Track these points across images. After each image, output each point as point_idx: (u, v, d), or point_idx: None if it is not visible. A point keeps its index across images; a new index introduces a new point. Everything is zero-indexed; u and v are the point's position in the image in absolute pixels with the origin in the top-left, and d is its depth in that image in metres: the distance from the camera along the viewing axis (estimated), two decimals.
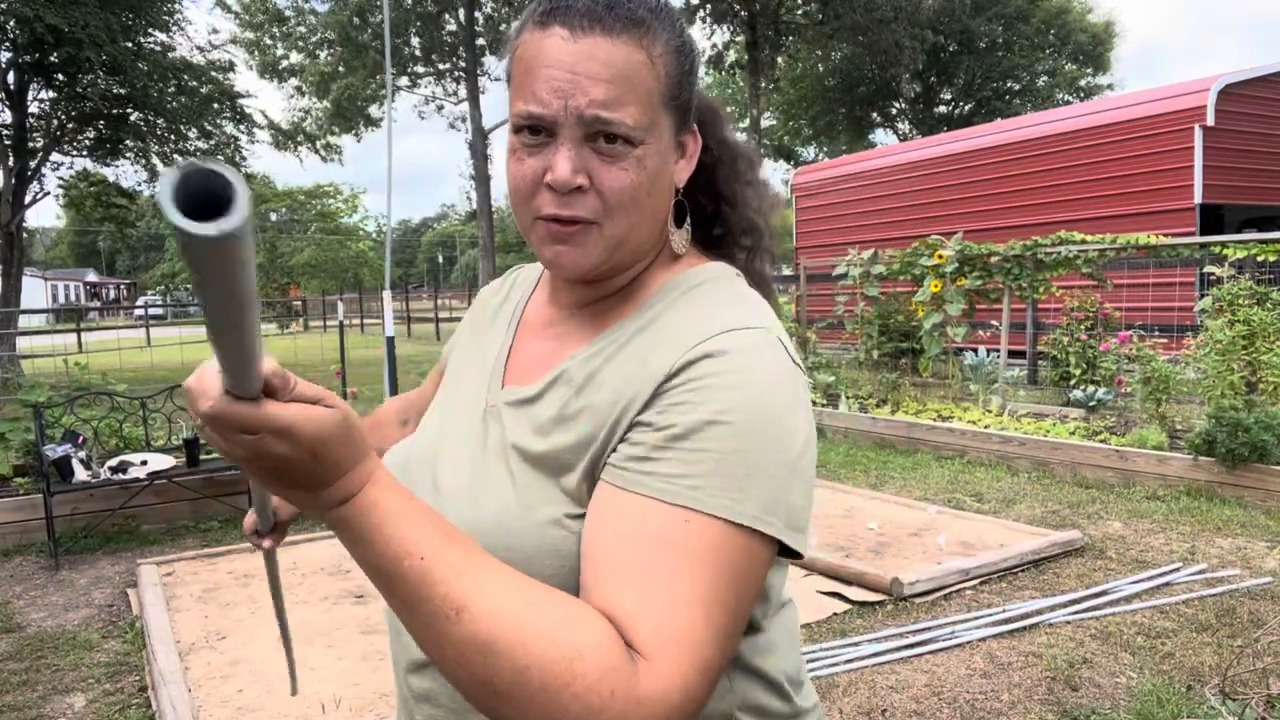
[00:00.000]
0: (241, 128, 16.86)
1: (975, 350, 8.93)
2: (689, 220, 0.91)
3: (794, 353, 0.82)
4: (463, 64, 26.83)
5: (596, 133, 0.78)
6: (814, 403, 8.58)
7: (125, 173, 22.91)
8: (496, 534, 0.77)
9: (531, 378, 0.87)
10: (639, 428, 0.76)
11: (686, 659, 0.68)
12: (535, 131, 0.79)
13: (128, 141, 15.75)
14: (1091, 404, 7.72)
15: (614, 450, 0.77)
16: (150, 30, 15.07)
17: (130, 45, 14.32)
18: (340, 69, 25.83)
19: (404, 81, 27.55)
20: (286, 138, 19.47)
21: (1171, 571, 4.27)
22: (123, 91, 14.47)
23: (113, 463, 5.22)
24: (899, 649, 3.48)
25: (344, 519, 0.65)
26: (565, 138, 0.78)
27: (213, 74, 16.35)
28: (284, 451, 0.61)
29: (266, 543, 0.94)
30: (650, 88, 0.79)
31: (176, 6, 15.51)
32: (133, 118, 15.36)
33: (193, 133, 16.16)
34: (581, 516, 0.77)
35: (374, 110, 26.82)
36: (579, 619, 0.68)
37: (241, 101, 16.64)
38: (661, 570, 0.70)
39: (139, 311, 35.91)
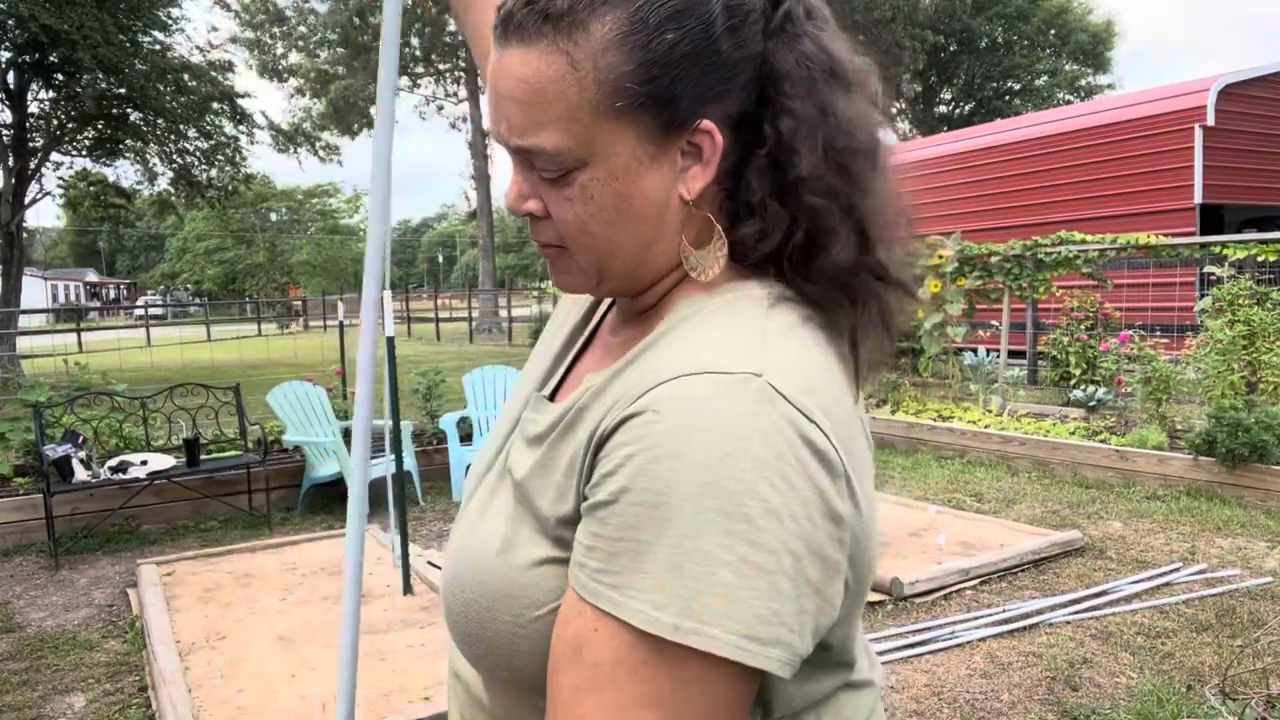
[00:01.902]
0: (242, 128, 16.86)
1: (975, 350, 8.93)
2: (720, 243, 0.71)
3: (808, 406, 0.61)
4: (463, 64, 26.85)
5: (530, 160, 0.68)
6: None
7: (125, 173, 22.92)
8: (475, 569, 0.70)
9: (573, 386, 0.76)
10: (585, 500, 0.63)
11: None
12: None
13: (127, 141, 15.76)
14: (1091, 404, 7.72)
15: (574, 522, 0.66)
16: (149, 30, 15.08)
17: (128, 45, 14.33)
18: (340, 70, 25.85)
19: (404, 82, 27.58)
20: (286, 139, 19.47)
21: (1171, 571, 4.27)
22: (121, 91, 14.48)
23: (113, 463, 5.22)
24: (899, 649, 3.48)
25: None
26: (513, 164, 0.70)
27: (212, 74, 16.35)
28: None
29: None
30: (572, 101, 0.64)
31: (175, 7, 15.51)
32: (132, 118, 15.37)
33: (192, 132, 16.17)
34: (559, 563, 0.66)
35: (375, 111, 26.86)
36: None
37: (241, 102, 16.64)
38: (565, 685, 0.60)
39: (139, 311, 35.96)
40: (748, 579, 0.56)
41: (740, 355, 0.62)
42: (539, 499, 0.68)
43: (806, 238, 0.68)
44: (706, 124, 0.66)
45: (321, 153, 25.78)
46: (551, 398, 0.80)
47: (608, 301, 0.84)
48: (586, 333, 0.84)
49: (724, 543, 0.56)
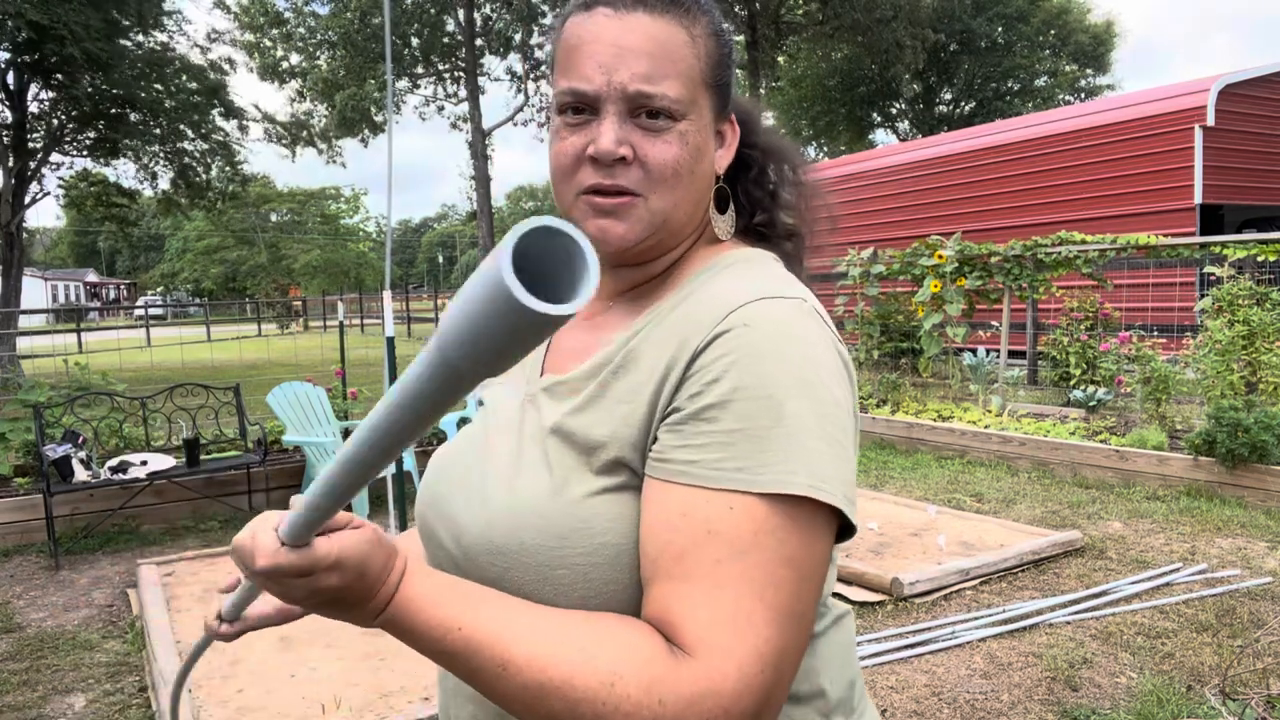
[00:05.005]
0: (233, 121, 16.81)
1: (975, 350, 8.92)
2: (733, 210, 0.90)
3: (832, 326, 0.80)
4: (462, 64, 26.84)
5: (639, 107, 0.79)
6: None
7: (125, 172, 22.92)
8: (531, 517, 0.76)
9: (569, 365, 0.85)
10: (675, 413, 0.73)
11: (739, 649, 0.66)
12: (579, 110, 0.80)
13: (126, 141, 15.74)
14: (1091, 404, 7.71)
15: (655, 439, 0.75)
16: (149, 30, 15.05)
17: (125, 44, 14.30)
18: (341, 73, 25.82)
19: (404, 83, 27.55)
20: (292, 138, 19.44)
21: (1171, 571, 4.27)
22: (117, 92, 14.44)
23: (113, 463, 5.22)
24: (899, 649, 3.48)
25: (389, 620, 0.69)
26: (608, 112, 0.79)
27: (206, 69, 16.30)
28: (337, 582, 0.66)
29: (225, 628, 0.92)
30: (691, 65, 0.80)
31: (169, 5, 15.48)
32: (132, 118, 15.35)
33: (190, 133, 16.16)
34: (613, 491, 0.75)
35: (377, 115, 26.83)
36: (617, 638, 0.68)
37: (234, 97, 16.60)
38: (705, 560, 0.68)
39: (139, 311, 35.95)
40: (836, 453, 0.71)
41: (787, 288, 0.79)
42: (593, 431, 0.77)
43: (784, 215, 0.93)
44: (733, 118, 0.88)
45: (326, 153, 25.80)
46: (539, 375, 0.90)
47: None
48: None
49: (820, 425, 0.71)
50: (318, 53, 26.69)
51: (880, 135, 37.51)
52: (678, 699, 0.65)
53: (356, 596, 0.67)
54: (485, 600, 0.70)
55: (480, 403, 0.98)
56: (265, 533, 0.65)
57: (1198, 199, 10.87)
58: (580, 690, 0.65)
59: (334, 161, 25.80)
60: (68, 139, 15.40)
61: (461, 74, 27.13)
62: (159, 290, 59.88)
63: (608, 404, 0.78)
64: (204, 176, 17.00)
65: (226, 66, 17.09)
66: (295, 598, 0.66)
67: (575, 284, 0.42)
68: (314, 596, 0.66)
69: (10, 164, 14.27)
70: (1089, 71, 35.26)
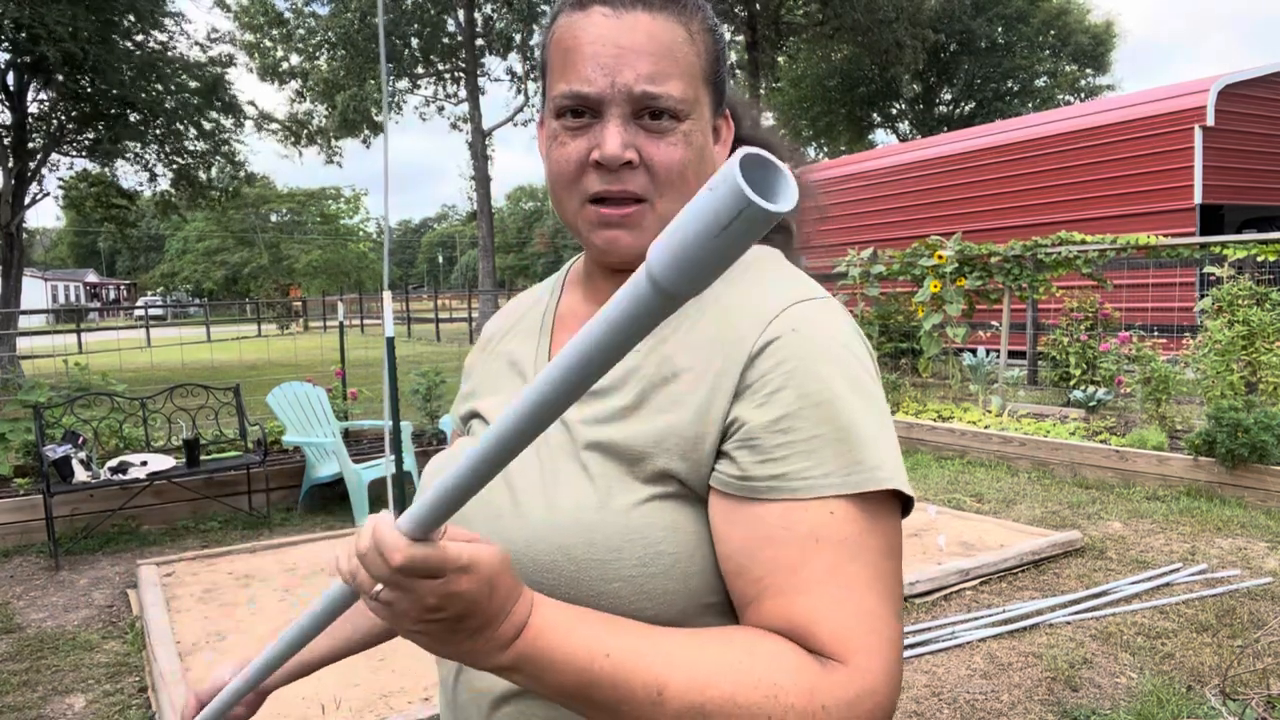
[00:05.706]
0: (230, 119, 16.80)
1: (975, 351, 8.92)
2: None
3: (853, 320, 0.81)
4: (462, 64, 26.84)
5: (643, 109, 0.76)
6: None
7: (125, 173, 22.95)
8: (577, 530, 0.73)
9: None
10: (740, 426, 0.72)
11: (879, 645, 0.67)
12: (578, 113, 0.78)
13: (125, 142, 15.74)
14: (1091, 404, 7.71)
15: (720, 453, 0.73)
16: (148, 31, 15.05)
17: (127, 45, 14.29)
18: (342, 73, 25.84)
19: (404, 84, 27.56)
20: (295, 136, 19.46)
21: (1171, 572, 4.27)
22: (115, 92, 14.43)
23: (113, 463, 5.22)
24: None
25: (525, 652, 0.63)
26: (612, 115, 0.76)
27: (210, 67, 16.29)
28: (468, 588, 0.58)
29: None
30: (691, 63, 0.79)
31: (169, 7, 15.48)
32: (132, 118, 15.35)
33: (192, 131, 16.15)
34: (662, 499, 0.73)
35: (377, 115, 26.83)
36: (761, 650, 0.66)
37: (235, 92, 16.58)
38: (819, 569, 0.68)
39: (139, 312, 35.96)
40: (893, 441, 0.74)
41: (811, 288, 0.79)
42: (635, 442, 0.75)
43: None
44: (727, 113, 0.86)
45: (327, 153, 25.83)
46: None
47: (552, 313, 0.93)
48: (546, 342, 0.90)
49: (876, 417, 0.73)
50: (318, 53, 26.69)
51: (880, 135, 37.54)
52: (838, 703, 0.64)
53: (485, 616, 0.60)
54: (618, 624, 0.67)
55: (470, 416, 0.93)
56: (386, 529, 0.57)
57: (1198, 199, 10.87)
58: (744, 707, 0.63)
59: (333, 160, 25.81)
60: (67, 139, 15.40)
61: (461, 74, 27.13)
62: (159, 291, 59.90)
63: (648, 414, 0.76)
64: (205, 176, 17.00)
65: (226, 60, 17.08)
66: (424, 605, 0.58)
67: (775, 191, 0.46)
68: (442, 607, 0.58)
69: (10, 164, 14.27)
70: (1089, 71, 35.28)
